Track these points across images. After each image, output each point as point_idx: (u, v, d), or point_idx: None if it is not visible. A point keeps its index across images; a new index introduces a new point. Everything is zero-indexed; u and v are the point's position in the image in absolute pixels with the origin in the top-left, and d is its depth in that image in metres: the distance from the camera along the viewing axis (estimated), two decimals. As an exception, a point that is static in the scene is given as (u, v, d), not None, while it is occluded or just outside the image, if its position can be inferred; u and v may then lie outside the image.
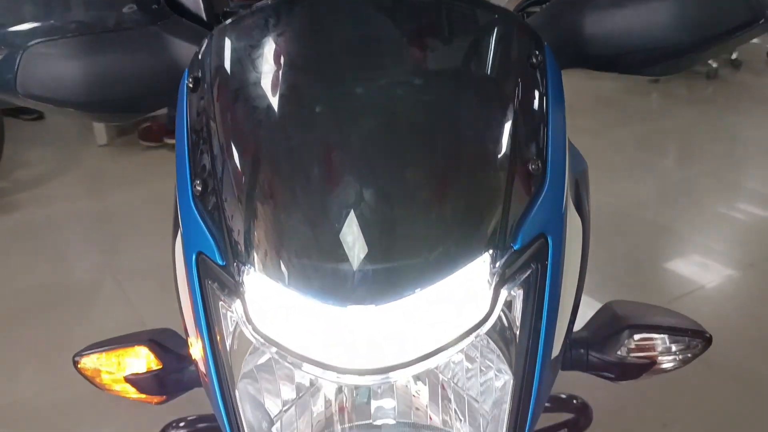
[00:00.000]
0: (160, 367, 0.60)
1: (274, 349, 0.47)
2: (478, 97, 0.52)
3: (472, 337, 0.47)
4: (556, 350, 0.53)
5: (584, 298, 0.58)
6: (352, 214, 0.46)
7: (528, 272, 0.49)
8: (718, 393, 1.61)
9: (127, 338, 0.62)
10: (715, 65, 4.30)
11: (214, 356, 0.51)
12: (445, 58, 0.53)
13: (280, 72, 0.52)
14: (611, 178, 2.71)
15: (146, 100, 0.64)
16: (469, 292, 0.47)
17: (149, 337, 0.61)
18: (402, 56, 0.52)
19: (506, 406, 0.51)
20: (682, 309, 0.64)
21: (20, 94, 0.62)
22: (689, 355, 0.60)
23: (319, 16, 0.56)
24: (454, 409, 0.54)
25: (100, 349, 0.61)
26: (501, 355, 0.50)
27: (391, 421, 0.54)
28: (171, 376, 0.60)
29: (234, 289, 0.49)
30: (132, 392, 0.61)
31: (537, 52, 0.54)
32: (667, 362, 0.60)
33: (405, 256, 0.46)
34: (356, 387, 0.52)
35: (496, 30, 0.55)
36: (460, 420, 0.53)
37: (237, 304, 0.48)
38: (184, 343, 0.59)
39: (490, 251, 0.47)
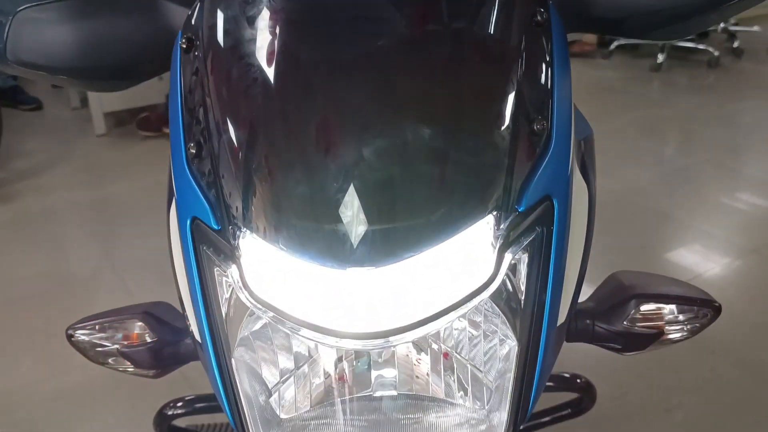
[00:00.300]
0: (155, 339, 0.59)
1: (271, 314, 0.46)
2: (480, 54, 0.50)
3: (475, 301, 0.45)
4: (561, 317, 0.51)
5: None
6: (351, 174, 0.44)
7: (533, 235, 0.47)
8: (721, 378, 1.60)
9: (121, 311, 0.61)
10: (716, 53, 4.29)
11: (209, 324, 0.50)
12: (446, 14, 0.51)
13: (276, 30, 0.50)
14: (612, 166, 2.70)
15: (141, 66, 0.62)
16: (472, 254, 0.45)
17: (144, 310, 0.60)
18: (401, 13, 0.51)
19: (510, 375, 0.50)
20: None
21: (11, 62, 0.61)
22: (698, 325, 0.59)
23: None
24: (457, 379, 0.52)
25: (93, 322, 0.60)
26: (506, 320, 0.48)
27: (392, 392, 0.53)
28: (166, 349, 0.59)
29: (230, 254, 0.47)
30: (126, 365, 0.60)
31: (542, 10, 0.52)
32: (674, 332, 0.59)
33: (406, 217, 0.44)
34: (356, 355, 0.50)
35: None
36: (464, 389, 0.52)
37: (233, 270, 0.47)
38: (180, 316, 0.58)
39: (494, 213, 0.45)
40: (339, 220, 0.44)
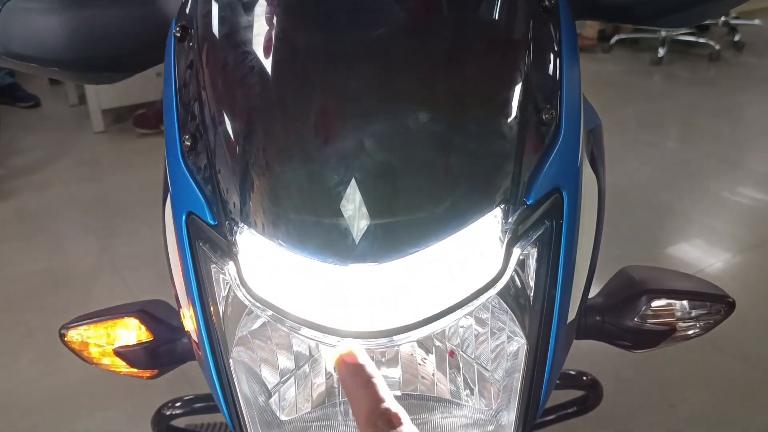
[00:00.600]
0: (151, 339, 0.57)
1: (270, 312, 0.44)
2: (486, 41, 0.48)
3: (483, 298, 0.43)
4: (571, 314, 0.49)
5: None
6: (352, 166, 0.42)
7: (542, 229, 0.45)
8: (725, 373, 1.59)
9: (116, 309, 0.59)
10: (717, 47, 4.26)
11: (206, 323, 0.48)
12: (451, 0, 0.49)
13: (273, 18, 0.48)
14: (613, 160, 2.68)
15: (135, 57, 0.60)
16: (478, 249, 0.43)
17: (139, 308, 0.58)
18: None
19: (519, 374, 0.48)
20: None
21: (1, 54, 0.59)
22: (711, 321, 0.57)
23: None
24: (463, 379, 0.51)
25: (88, 321, 0.58)
26: (514, 317, 0.46)
27: (396, 393, 0.51)
28: (162, 349, 0.57)
29: (227, 250, 0.45)
30: (122, 366, 0.58)
31: (550, -5, 0.50)
32: (686, 329, 0.57)
33: (410, 211, 0.42)
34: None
35: None
36: (471, 389, 0.50)
37: (230, 266, 0.45)
38: (176, 315, 0.56)
39: (502, 206, 0.43)
40: (340, 214, 0.42)
